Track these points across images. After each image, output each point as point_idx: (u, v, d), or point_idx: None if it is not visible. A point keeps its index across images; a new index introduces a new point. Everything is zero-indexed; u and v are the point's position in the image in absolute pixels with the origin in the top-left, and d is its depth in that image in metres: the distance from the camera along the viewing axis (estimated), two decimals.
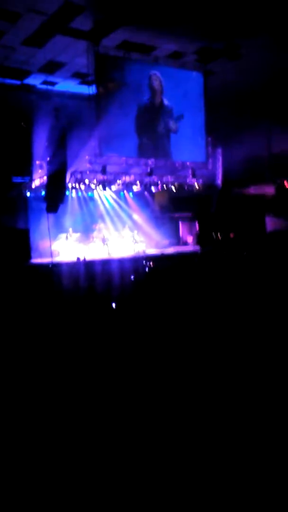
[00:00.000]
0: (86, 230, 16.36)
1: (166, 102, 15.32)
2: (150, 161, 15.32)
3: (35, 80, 15.04)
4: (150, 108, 15.01)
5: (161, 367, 4.38)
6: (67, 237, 15.41)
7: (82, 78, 14.94)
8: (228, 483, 2.62)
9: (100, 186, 15.34)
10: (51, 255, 13.48)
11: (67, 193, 14.14)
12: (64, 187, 13.15)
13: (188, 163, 16.36)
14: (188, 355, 4.63)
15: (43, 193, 13.84)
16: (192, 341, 5.08)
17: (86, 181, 14.72)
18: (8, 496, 2.66)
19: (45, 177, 13.55)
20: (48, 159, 13.05)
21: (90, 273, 11.84)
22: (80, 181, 14.63)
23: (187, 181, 16.72)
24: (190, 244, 18.92)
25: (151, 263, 12.93)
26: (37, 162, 14.38)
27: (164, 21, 11.87)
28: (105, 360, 4.67)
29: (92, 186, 15.08)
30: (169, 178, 16.57)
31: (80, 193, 16.07)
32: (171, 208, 18.66)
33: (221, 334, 5.25)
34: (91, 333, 5.62)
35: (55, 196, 12.83)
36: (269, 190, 18.81)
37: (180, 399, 3.67)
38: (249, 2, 11.06)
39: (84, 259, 13.45)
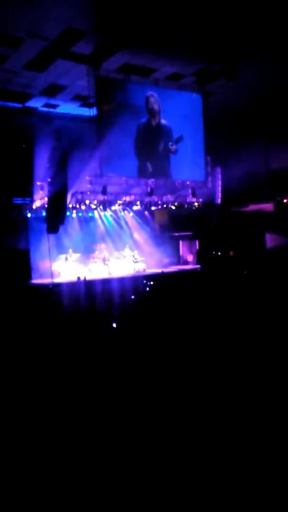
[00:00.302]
0: (87, 250, 16.39)
1: (165, 122, 15.52)
2: (150, 181, 15.46)
3: (36, 103, 15.28)
4: (149, 129, 15.20)
5: (160, 385, 4.38)
6: (67, 258, 15.45)
7: (83, 101, 15.16)
8: (228, 483, 2.62)
9: (101, 206, 15.44)
10: (52, 275, 13.50)
11: (67, 213, 14.22)
12: (64, 208, 13.23)
13: (188, 183, 16.52)
14: (188, 372, 4.64)
15: (43, 213, 13.93)
16: (192, 359, 5.08)
17: (87, 201, 14.82)
18: (9, 496, 2.65)
19: (45, 198, 13.65)
20: (49, 180, 13.16)
21: (90, 292, 11.84)
22: (80, 201, 14.73)
23: (187, 200, 16.84)
24: (190, 262, 18.95)
25: (151, 282, 12.94)
26: (38, 183, 14.52)
27: (163, 44, 12.12)
28: (105, 378, 4.68)
29: (93, 206, 15.18)
30: (169, 198, 16.70)
31: (80, 214, 16.17)
32: (171, 227, 18.75)
33: (221, 351, 5.26)
34: (91, 353, 5.63)
35: (55, 217, 12.90)
36: (268, 207, 18.94)
37: (177, 415, 3.68)
38: (245, 25, 11.31)
39: (85, 279, 13.47)
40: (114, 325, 7.51)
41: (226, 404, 3.81)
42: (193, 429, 3.41)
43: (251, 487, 2.59)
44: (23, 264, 13.76)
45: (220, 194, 17.44)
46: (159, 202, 16.57)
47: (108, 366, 5.08)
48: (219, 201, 17.43)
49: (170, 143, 15.66)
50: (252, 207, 19.13)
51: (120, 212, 17.37)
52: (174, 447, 3.17)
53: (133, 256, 16.77)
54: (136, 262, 16.60)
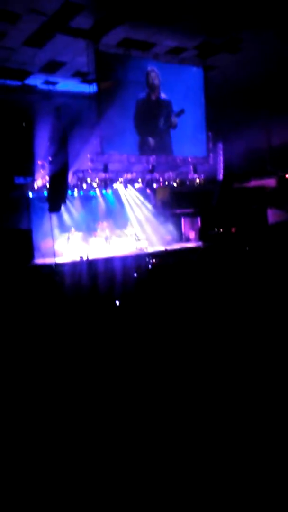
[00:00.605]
0: (89, 229, 16.42)
1: (164, 97, 15.29)
2: (151, 158, 15.33)
3: (36, 81, 15.03)
4: (149, 104, 15.00)
5: (163, 365, 4.43)
6: (69, 237, 15.48)
7: (83, 77, 14.92)
8: (228, 483, 2.67)
9: (102, 184, 15.38)
10: (54, 255, 13.55)
11: (69, 192, 14.18)
12: (66, 186, 13.19)
13: (189, 159, 16.38)
14: (190, 354, 4.69)
15: (45, 193, 13.89)
16: (195, 339, 5.13)
17: (88, 180, 14.76)
18: (9, 495, 2.72)
19: (47, 177, 13.59)
20: (49, 159, 13.08)
21: (93, 271, 11.91)
22: (82, 180, 14.68)
23: (189, 176, 16.74)
24: (192, 240, 18.97)
25: (153, 260, 13.00)
26: (39, 162, 14.42)
27: (164, 17, 11.84)
28: (108, 358, 4.74)
29: (94, 184, 15.11)
30: (171, 174, 16.61)
31: (82, 192, 16.12)
32: (173, 204, 18.70)
33: (224, 331, 5.31)
34: (95, 332, 5.69)
35: (57, 196, 12.87)
36: (270, 182, 18.84)
37: (181, 398, 3.72)
38: None
39: (87, 258, 13.53)
40: (117, 303, 7.59)
41: (227, 391, 3.86)
42: (195, 419, 3.46)
43: (251, 486, 2.63)
44: (26, 244, 13.80)
45: (221, 170, 17.35)
46: (161, 179, 16.49)
47: (111, 345, 5.14)
48: (220, 177, 17.34)
49: (172, 116, 15.46)
50: (254, 183, 19.02)
51: (122, 190, 17.31)
52: (175, 438, 3.23)
53: (135, 234, 16.79)
54: (138, 240, 16.62)
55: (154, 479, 2.76)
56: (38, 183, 14.81)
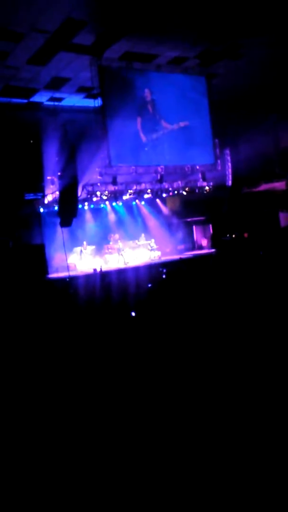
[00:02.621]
0: (101, 241, 16.45)
1: (169, 107, 15.38)
2: (160, 168, 15.39)
3: (41, 98, 15.26)
4: (154, 115, 15.11)
5: (176, 371, 4.40)
6: (81, 250, 15.53)
7: (87, 92, 15.10)
8: (228, 483, 2.63)
9: (112, 196, 15.44)
10: (68, 268, 13.59)
11: (79, 206, 14.26)
12: (76, 200, 13.27)
13: (197, 167, 16.41)
14: (203, 360, 4.65)
15: (56, 208, 13.99)
16: (208, 345, 5.09)
17: (98, 193, 14.84)
18: (9, 495, 2.69)
19: (57, 192, 13.70)
20: (59, 174, 13.19)
21: (107, 283, 11.90)
22: (91, 193, 14.75)
23: (198, 184, 16.74)
24: (205, 247, 18.90)
25: (165, 269, 12.95)
26: (48, 178, 14.56)
27: (164, 28, 11.97)
28: (121, 367, 4.72)
29: (104, 197, 15.18)
30: (180, 183, 16.62)
31: (92, 205, 16.21)
32: (183, 213, 18.69)
33: (239, 337, 5.25)
34: (109, 342, 5.67)
35: (68, 210, 12.94)
36: (280, 185, 18.76)
37: (192, 402, 3.70)
38: (246, 2, 11.10)
39: (101, 270, 13.53)
40: (133, 314, 7.56)
41: (243, 392, 3.82)
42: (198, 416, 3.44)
43: (250, 485, 2.59)
44: (39, 259, 13.87)
45: (230, 176, 17.32)
46: (170, 189, 16.51)
47: (125, 357, 5.11)
48: (230, 183, 17.31)
49: (176, 127, 15.52)
50: (264, 187, 18.96)
51: (132, 201, 17.36)
52: (174, 433, 3.20)
53: (148, 244, 16.79)
54: (151, 250, 16.62)
55: (154, 479, 2.72)
56: (48, 198, 14.94)
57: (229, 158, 17.23)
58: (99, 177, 14.32)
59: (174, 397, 3.90)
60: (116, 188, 14.93)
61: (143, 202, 17.90)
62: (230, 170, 17.33)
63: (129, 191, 15.64)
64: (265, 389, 3.86)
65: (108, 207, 17.13)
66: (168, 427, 3.40)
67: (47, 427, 3.58)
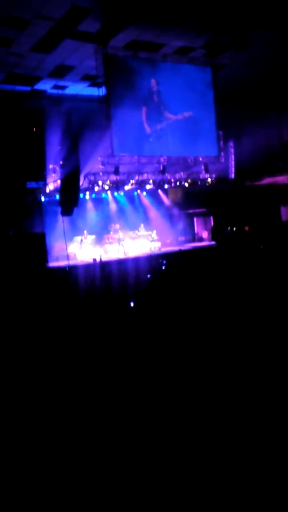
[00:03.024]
0: (101, 231, 16.46)
1: (174, 98, 15.29)
2: (162, 159, 15.35)
3: (45, 85, 15.17)
4: (158, 105, 15.03)
5: (173, 366, 4.43)
6: (82, 240, 15.55)
7: (92, 80, 15.01)
8: (228, 483, 2.65)
9: (114, 186, 15.42)
10: (68, 258, 13.61)
11: (81, 195, 14.24)
12: (78, 190, 13.24)
13: (200, 158, 16.35)
14: (201, 354, 4.67)
15: (57, 197, 13.98)
16: (206, 338, 5.11)
17: (100, 182, 14.81)
18: (9, 495, 2.73)
19: (59, 181, 13.68)
20: (61, 163, 13.16)
21: (106, 273, 11.93)
22: (93, 182, 14.74)
23: (200, 176, 16.69)
24: (205, 239, 18.92)
25: (164, 261, 12.98)
26: (50, 166, 14.53)
27: (170, 17, 11.85)
28: (119, 358, 4.74)
29: (106, 187, 15.16)
30: (182, 175, 16.58)
31: (94, 195, 16.19)
32: (185, 204, 18.67)
33: (238, 330, 5.28)
34: (108, 333, 5.70)
35: (69, 199, 12.92)
36: (283, 179, 18.71)
37: (191, 400, 3.72)
38: None
39: (101, 260, 13.56)
40: (132, 304, 7.59)
41: (244, 388, 3.85)
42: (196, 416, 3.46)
43: (250, 485, 2.62)
44: (40, 248, 13.90)
45: (233, 169, 17.29)
46: (172, 180, 16.47)
47: (124, 348, 5.14)
48: (232, 176, 17.28)
49: (180, 117, 15.45)
50: (266, 181, 18.91)
51: (133, 191, 17.34)
52: (174, 434, 3.22)
53: (150, 235, 16.80)
54: (151, 241, 16.63)
55: (154, 479, 2.75)
56: (50, 187, 14.91)
57: (232, 150, 17.19)
58: (101, 167, 14.30)
59: (174, 390, 3.92)
60: (118, 178, 14.91)
61: (144, 193, 17.88)
62: (233, 162, 17.29)
63: (131, 181, 15.62)
64: (265, 383, 3.88)
65: (110, 197, 17.12)
66: (167, 419, 3.43)
67: (46, 420, 3.61)
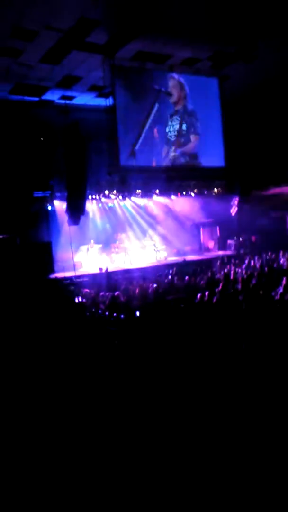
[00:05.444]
0: (108, 240, 16.50)
1: (184, 108, 15.37)
2: (169, 168, 15.38)
3: (53, 96, 15.30)
4: (167, 115, 15.12)
5: (181, 375, 4.41)
6: (88, 249, 15.58)
7: (99, 91, 15.12)
8: (228, 483, 2.63)
9: (120, 196, 15.47)
10: (74, 267, 13.64)
11: (88, 205, 14.30)
12: (84, 199, 13.31)
13: (207, 168, 16.37)
14: (210, 363, 4.65)
15: (64, 206, 14.04)
16: (213, 349, 5.08)
17: (106, 192, 14.87)
18: (9, 495, 2.71)
19: (66, 191, 13.74)
20: (68, 172, 13.23)
21: (112, 283, 11.93)
22: (100, 192, 14.80)
23: (207, 186, 16.72)
24: (211, 249, 18.87)
25: (171, 271, 12.96)
26: (57, 176, 14.59)
27: (177, 28, 11.92)
28: (126, 368, 4.73)
29: (112, 196, 15.21)
30: (189, 185, 16.61)
31: (100, 204, 16.24)
32: (191, 214, 18.67)
33: (245, 343, 5.24)
34: (111, 344, 5.70)
35: (76, 208, 12.99)
36: None
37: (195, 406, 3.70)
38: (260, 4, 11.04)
39: (107, 269, 13.57)
40: (137, 314, 7.58)
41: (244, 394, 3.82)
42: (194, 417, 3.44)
43: (250, 485, 2.60)
44: (46, 257, 13.94)
45: (240, 179, 17.29)
46: (179, 190, 16.51)
47: (128, 358, 5.13)
48: (239, 185, 17.28)
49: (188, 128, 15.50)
50: (273, 191, 18.88)
51: (140, 201, 17.38)
52: (174, 435, 3.21)
53: (154, 245, 16.79)
54: (157, 251, 16.62)
55: (154, 479, 2.74)
56: (57, 196, 14.97)
57: (239, 161, 17.19)
58: (108, 176, 14.35)
59: (175, 393, 3.91)
60: (125, 187, 14.96)
61: (151, 202, 17.91)
62: (240, 172, 17.30)
63: (138, 191, 15.66)
64: (265, 385, 3.86)
65: (117, 206, 17.17)
66: (168, 418, 3.42)
67: (48, 424, 3.61)
